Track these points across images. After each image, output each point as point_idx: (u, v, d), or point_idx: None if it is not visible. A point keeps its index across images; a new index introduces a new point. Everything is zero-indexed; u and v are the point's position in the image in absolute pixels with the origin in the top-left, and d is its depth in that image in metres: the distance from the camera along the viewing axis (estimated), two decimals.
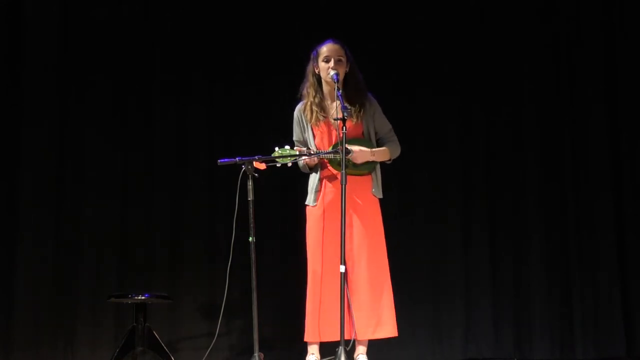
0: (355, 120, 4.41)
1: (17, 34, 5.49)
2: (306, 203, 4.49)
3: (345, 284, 4.19)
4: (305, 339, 4.41)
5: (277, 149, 4.32)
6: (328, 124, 4.47)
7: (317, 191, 4.45)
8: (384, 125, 4.55)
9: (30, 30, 5.50)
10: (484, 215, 5.79)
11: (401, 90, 5.75)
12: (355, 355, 4.39)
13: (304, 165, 4.48)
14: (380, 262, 4.44)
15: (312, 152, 4.36)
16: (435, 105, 5.81)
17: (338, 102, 4.24)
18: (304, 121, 4.52)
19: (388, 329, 4.40)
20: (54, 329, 5.36)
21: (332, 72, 4.36)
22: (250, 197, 4.17)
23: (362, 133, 4.49)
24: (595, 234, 5.79)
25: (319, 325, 4.34)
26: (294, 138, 4.54)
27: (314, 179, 4.49)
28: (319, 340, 4.39)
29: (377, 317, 4.36)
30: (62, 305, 5.37)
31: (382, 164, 4.52)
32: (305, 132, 4.53)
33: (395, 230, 5.62)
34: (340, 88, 4.30)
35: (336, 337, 4.12)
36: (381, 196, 4.50)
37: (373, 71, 5.41)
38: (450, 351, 5.61)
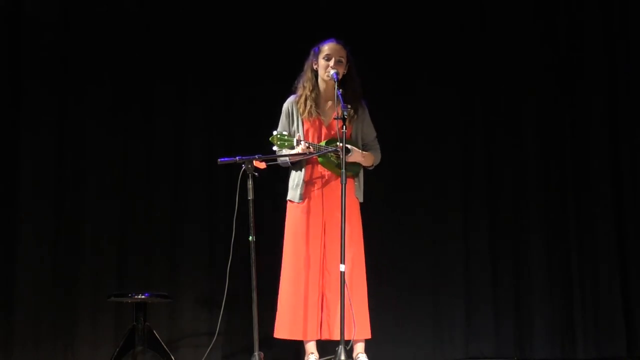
0: (347, 122, 4.42)
1: (17, 34, 5.49)
2: (288, 199, 4.50)
3: (327, 284, 4.35)
4: (279, 336, 4.45)
5: (275, 132, 4.31)
6: (319, 121, 4.49)
7: (302, 187, 4.45)
8: (371, 133, 4.62)
9: (31, 30, 5.50)
10: (484, 215, 5.78)
11: (401, 89, 5.75)
12: (354, 355, 4.39)
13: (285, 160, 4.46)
14: (359, 264, 4.46)
15: (310, 146, 4.34)
16: (436, 105, 5.81)
17: (338, 101, 4.24)
18: (294, 113, 4.52)
19: (362, 330, 4.39)
20: (54, 329, 5.36)
21: (332, 71, 4.38)
22: (250, 197, 4.18)
23: (351, 136, 4.51)
24: (596, 233, 5.78)
25: (306, 323, 4.35)
26: (279, 129, 4.49)
27: (297, 175, 4.49)
28: (301, 338, 4.42)
29: (352, 318, 4.28)
30: (62, 305, 5.37)
31: (364, 169, 4.57)
32: (293, 125, 4.52)
33: (395, 230, 5.65)
34: (340, 88, 4.31)
35: (317, 336, 4.35)
36: (362, 200, 4.55)
37: (373, 71, 5.43)
38: (450, 350, 5.61)
